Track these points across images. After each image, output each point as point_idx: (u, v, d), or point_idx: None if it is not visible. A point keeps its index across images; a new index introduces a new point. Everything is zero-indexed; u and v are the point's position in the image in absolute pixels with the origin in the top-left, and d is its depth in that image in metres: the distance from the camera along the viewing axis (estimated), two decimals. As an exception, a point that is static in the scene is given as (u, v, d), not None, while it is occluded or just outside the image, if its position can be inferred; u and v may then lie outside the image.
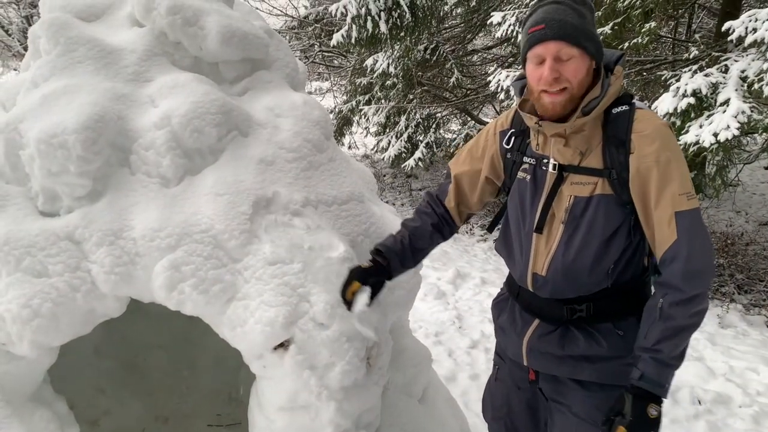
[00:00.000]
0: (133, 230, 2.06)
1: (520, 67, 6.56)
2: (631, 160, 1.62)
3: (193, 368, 3.56)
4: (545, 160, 1.77)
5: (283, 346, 2.03)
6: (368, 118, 10.59)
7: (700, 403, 3.88)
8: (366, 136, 12.54)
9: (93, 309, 2.07)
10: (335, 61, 14.01)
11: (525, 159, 1.85)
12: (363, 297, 1.93)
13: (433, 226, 2.06)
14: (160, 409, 3.40)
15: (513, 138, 1.89)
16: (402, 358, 2.63)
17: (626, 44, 6.28)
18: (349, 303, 1.94)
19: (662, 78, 5.80)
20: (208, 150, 2.25)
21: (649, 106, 6.04)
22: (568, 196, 1.72)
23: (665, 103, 4.94)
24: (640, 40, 6.02)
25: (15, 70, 17.27)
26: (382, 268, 2.00)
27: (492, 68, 9.44)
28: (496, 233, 2.26)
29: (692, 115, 4.80)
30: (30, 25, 15.95)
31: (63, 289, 1.99)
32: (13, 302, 1.94)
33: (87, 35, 2.34)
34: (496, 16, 6.71)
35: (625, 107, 1.68)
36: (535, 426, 2.05)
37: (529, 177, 1.82)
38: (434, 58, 9.15)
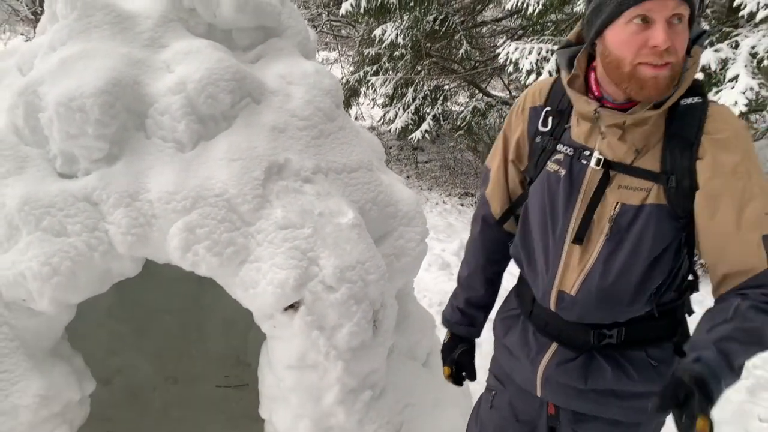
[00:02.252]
0: (149, 193, 2.12)
1: (536, 38, 6.52)
2: (699, 168, 1.32)
3: (201, 332, 3.66)
4: (587, 152, 1.44)
5: (293, 307, 2.10)
6: (375, 90, 10.54)
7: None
8: (373, 107, 12.51)
9: (110, 268, 2.14)
10: (343, 31, 13.92)
11: (560, 147, 1.49)
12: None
13: (483, 268, 1.82)
14: (170, 370, 3.51)
15: (550, 118, 1.53)
16: (407, 322, 2.70)
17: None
18: (456, 381, 1.89)
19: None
20: (221, 116, 2.29)
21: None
22: (613, 202, 1.40)
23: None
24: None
25: (22, 35, 17.18)
26: (459, 339, 1.89)
27: (501, 40, 9.38)
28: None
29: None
30: (37, -11, 15.83)
31: (81, 249, 2.06)
32: (34, 260, 2.01)
33: (103, 0, 2.37)
34: (506, -12, 6.66)
35: (697, 99, 1.35)
36: None
37: (563, 171, 1.47)
38: (443, 29, 9.07)
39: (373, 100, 11.78)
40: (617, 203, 1.40)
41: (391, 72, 10.24)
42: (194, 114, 2.23)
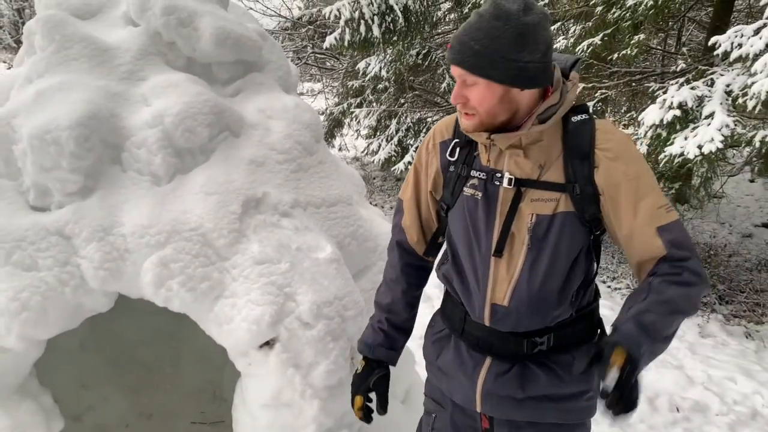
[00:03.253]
0: (123, 227, 2.09)
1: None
2: (596, 176, 1.49)
3: (177, 365, 3.58)
4: (498, 174, 1.56)
5: (268, 344, 2.06)
6: (359, 121, 10.63)
7: (678, 410, 3.94)
8: (357, 138, 12.57)
9: (81, 303, 2.10)
10: (328, 63, 14.06)
11: (473, 173, 1.62)
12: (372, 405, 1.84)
13: (404, 293, 1.86)
14: (144, 405, 3.42)
15: (458, 149, 1.65)
16: (386, 359, 2.67)
17: (616, 55, 6.38)
18: (364, 417, 1.83)
19: (650, 90, 5.89)
20: (199, 149, 2.28)
21: (636, 117, 6.14)
22: (528, 214, 1.53)
23: (651, 115, 5.02)
24: (629, 52, 6.11)
25: (4, 62, 17.16)
26: (376, 364, 1.84)
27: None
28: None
29: (678, 127, 4.87)
30: (21, 18, 15.88)
31: (52, 283, 2.01)
32: (2, 295, 1.96)
33: (82, 33, 2.37)
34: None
35: (584, 116, 1.53)
36: None
37: (480, 194, 1.59)
38: (426, 62, 9.21)
39: (357, 131, 11.85)
40: (532, 215, 1.53)
41: (374, 104, 10.34)
42: (171, 147, 2.21)
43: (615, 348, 1.27)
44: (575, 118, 1.53)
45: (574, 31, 6.55)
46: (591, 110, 1.58)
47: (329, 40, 8.05)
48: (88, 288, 2.07)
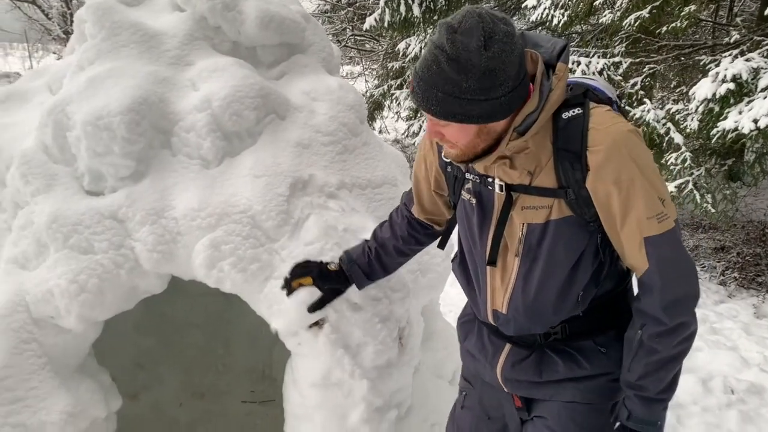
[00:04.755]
0: (175, 210, 2.13)
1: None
2: (588, 180, 1.36)
3: (227, 346, 3.66)
4: (490, 179, 1.49)
5: (317, 324, 2.08)
6: (399, 103, 10.59)
7: (732, 392, 3.84)
8: (397, 120, 12.54)
9: (136, 285, 2.15)
10: (367, 45, 14.02)
11: (467, 176, 1.56)
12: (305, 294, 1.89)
13: (403, 239, 1.86)
14: (196, 385, 3.51)
15: None
16: (432, 340, 2.67)
17: (664, 28, 6.17)
18: (290, 290, 1.88)
19: (701, 63, 5.69)
20: (246, 133, 2.30)
21: (686, 92, 5.94)
22: (519, 224, 1.46)
23: (704, 89, 4.86)
24: (679, 24, 5.90)
25: (54, 53, 17.63)
26: (344, 278, 1.88)
27: (526, 52, 9.31)
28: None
29: (732, 101, 4.70)
30: (69, 9, 16.26)
31: (108, 266, 2.07)
32: (62, 277, 2.02)
33: (130, 20, 2.41)
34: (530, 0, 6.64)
35: (577, 110, 1.37)
36: None
37: (474, 200, 1.55)
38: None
39: (397, 113, 11.82)
40: (523, 224, 1.46)
41: (415, 85, 10.24)
42: (219, 131, 2.24)
43: None
44: (566, 114, 1.38)
45: (620, 5, 6.35)
46: (587, 100, 1.41)
47: (369, 21, 8.03)
48: (142, 270, 2.12)
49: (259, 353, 3.55)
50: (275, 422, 2.65)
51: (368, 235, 2.24)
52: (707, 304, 5.37)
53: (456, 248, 1.80)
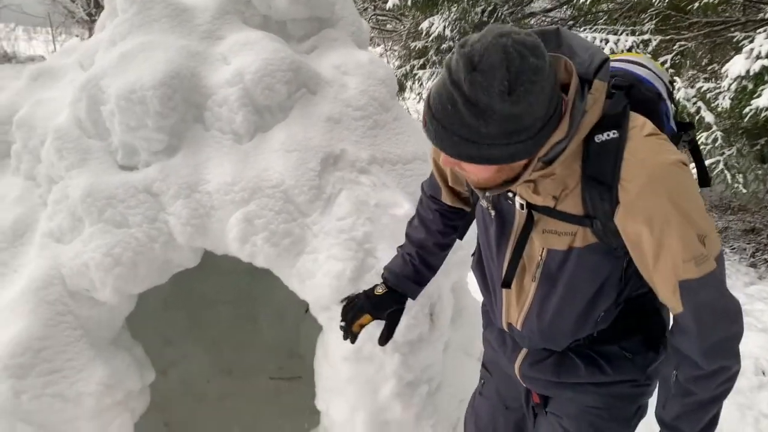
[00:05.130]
0: (208, 184, 2.13)
1: (588, 28, 6.35)
2: (617, 214, 1.22)
3: (255, 323, 3.68)
4: (510, 194, 1.36)
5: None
6: (422, 83, 10.48)
7: (764, 373, 3.79)
8: (419, 101, 12.43)
9: (170, 259, 2.16)
10: (388, 25, 13.89)
11: None
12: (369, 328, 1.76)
13: (441, 233, 1.73)
14: (224, 362, 3.54)
15: None
16: (461, 317, 2.66)
17: (696, 5, 6.02)
18: (353, 335, 1.76)
19: (733, 40, 5.55)
20: (278, 107, 2.29)
21: (718, 69, 5.79)
22: (539, 248, 1.35)
23: (737, 66, 4.73)
24: (710, 1, 5.76)
25: (77, 36, 17.74)
26: (398, 296, 1.75)
27: (551, 31, 9.16)
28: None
29: (766, 78, 4.59)
30: (92, -9, 16.31)
31: (142, 239, 2.09)
32: (97, 251, 2.04)
33: (161, -6, 2.40)
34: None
35: (613, 133, 1.21)
36: None
37: (493, 212, 1.43)
38: (492, 20, 8.95)
39: (419, 94, 11.71)
40: (543, 249, 1.35)
41: (438, 65, 10.15)
42: (251, 105, 2.23)
43: None
44: (600, 137, 1.21)
45: (650, -19, 6.20)
46: (628, 120, 1.24)
47: (392, 0, 7.93)
48: (176, 244, 2.14)
49: (286, 331, 3.57)
50: (303, 398, 2.67)
51: (399, 211, 2.24)
52: (737, 286, 5.30)
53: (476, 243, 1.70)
